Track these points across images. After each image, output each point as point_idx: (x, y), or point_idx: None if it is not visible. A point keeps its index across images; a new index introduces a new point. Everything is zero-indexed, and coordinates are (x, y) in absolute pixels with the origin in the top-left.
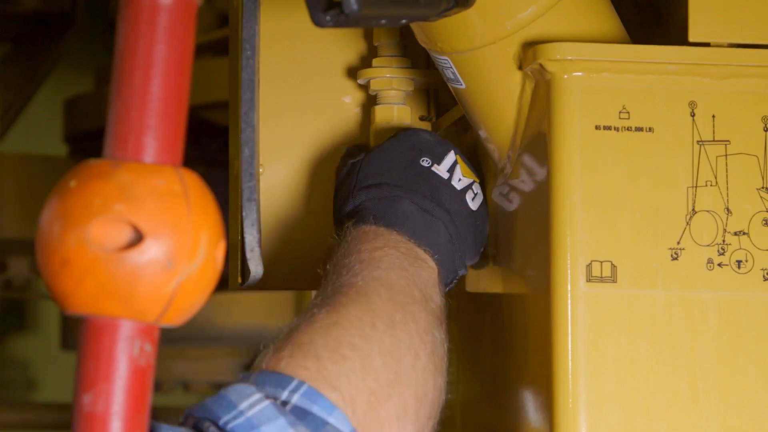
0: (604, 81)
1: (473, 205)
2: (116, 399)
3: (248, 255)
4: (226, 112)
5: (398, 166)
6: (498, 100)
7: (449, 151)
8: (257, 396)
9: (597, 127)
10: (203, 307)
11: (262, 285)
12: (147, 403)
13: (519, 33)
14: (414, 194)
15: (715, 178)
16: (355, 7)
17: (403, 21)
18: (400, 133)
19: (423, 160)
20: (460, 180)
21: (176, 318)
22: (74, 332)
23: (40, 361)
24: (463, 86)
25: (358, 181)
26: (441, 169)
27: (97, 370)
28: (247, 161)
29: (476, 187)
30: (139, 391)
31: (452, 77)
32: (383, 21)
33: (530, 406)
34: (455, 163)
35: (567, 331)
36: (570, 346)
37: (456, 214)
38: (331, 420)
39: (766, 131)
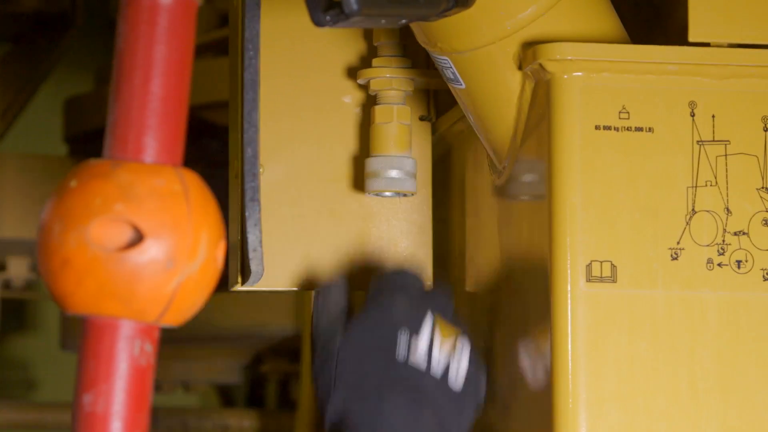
0: (603, 81)
1: (457, 384)
2: (116, 399)
3: (251, 255)
4: (226, 112)
5: (376, 361)
6: (498, 100)
7: (425, 316)
8: None
9: (597, 127)
10: (203, 307)
11: (262, 285)
12: (147, 403)
13: (519, 33)
14: (396, 397)
15: (715, 178)
16: (355, 7)
17: (403, 21)
18: (372, 306)
19: (400, 340)
20: (441, 350)
21: (176, 318)
22: (72, 333)
23: (40, 361)
24: (463, 86)
25: (338, 376)
26: (419, 351)
27: (97, 370)
28: (250, 161)
29: (459, 347)
30: (139, 391)
31: (452, 77)
32: (383, 21)
33: (530, 406)
34: (433, 328)
35: (567, 331)
36: (570, 346)
37: (440, 406)
38: None
39: (766, 131)
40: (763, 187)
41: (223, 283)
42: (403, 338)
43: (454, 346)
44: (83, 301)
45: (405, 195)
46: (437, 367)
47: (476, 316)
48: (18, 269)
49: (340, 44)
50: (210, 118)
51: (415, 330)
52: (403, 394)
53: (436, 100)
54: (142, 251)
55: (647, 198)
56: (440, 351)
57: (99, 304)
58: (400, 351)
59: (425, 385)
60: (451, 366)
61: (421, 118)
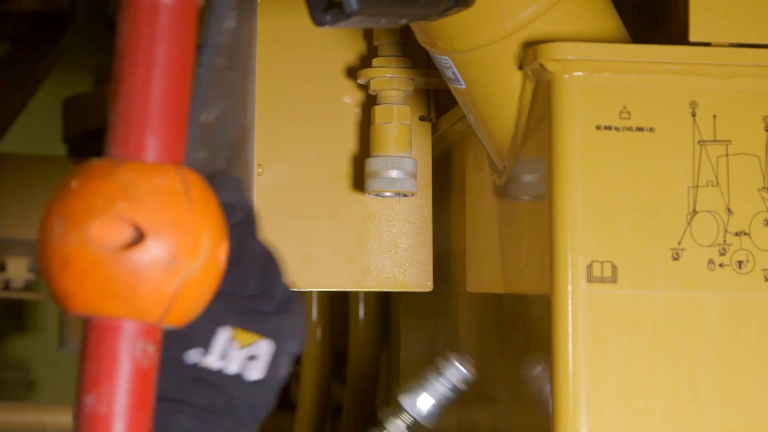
0: (604, 81)
1: (255, 375)
2: (119, 400)
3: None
4: None
5: (164, 371)
6: (498, 100)
7: (217, 328)
8: None
9: (598, 127)
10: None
11: None
12: (149, 404)
13: (519, 33)
14: (186, 404)
15: (716, 178)
16: (355, 6)
17: (403, 21)
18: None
19: (190, 354)
20: (238, 354)
21: (178, 318)
22: (69, 334)
23: (39, 362)
24: (464, 86)
25: None
26: (212, 358)
27: (99, 371)
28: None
29: (263, 349)
30: (141, 392)
31: (452, 77)
32: (383, 21)
33: (531, 406)
34: (229, 338)
35: (568, 332)
36: (571, 347)
37: (235, 399)
38: None
39: (767, 131)
40: (764, 187)
41: None
42: (193, 348)
43: (253, 356)
44: (84, 301)
45: (405, 195)
46: (232, 365)
47: (476, 317)
48: (17, 270)
49: (340, 44)
50: None
51: (205, 344)
52: (192, 393)
53: (436, 100)
54: (144, 250)
55: (648, 198)
56: (237, 355)
57: (100, 304)
58: (192, 356)
59: (217, 381)
60: (247, 368)
61: (421, 118)
